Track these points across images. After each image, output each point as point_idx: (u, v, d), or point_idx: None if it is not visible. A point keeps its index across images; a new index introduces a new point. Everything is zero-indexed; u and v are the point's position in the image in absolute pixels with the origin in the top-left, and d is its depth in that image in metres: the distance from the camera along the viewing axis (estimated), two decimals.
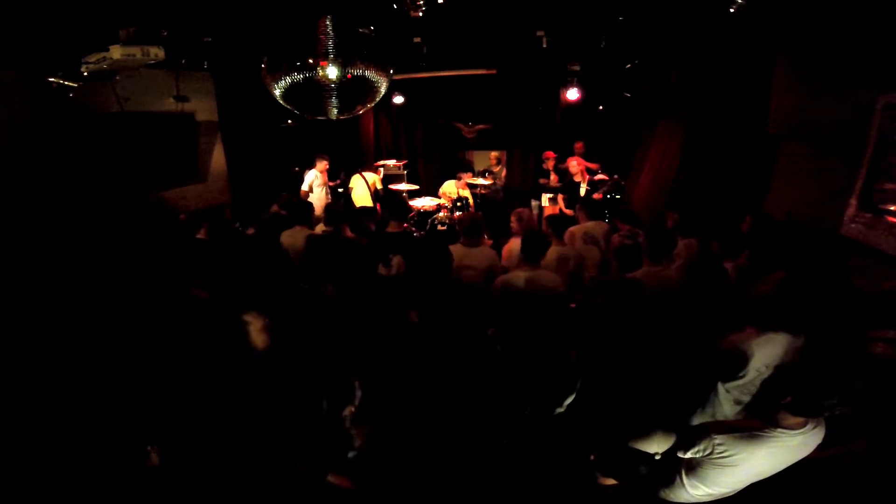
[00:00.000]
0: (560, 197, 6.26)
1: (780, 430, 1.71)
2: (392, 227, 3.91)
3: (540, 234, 3.23)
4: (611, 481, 1.66)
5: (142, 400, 1.75)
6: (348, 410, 1.67)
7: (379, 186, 7.15)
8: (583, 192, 6.05)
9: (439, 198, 7.14)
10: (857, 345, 2.12)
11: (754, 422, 1.81)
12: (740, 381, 2.14)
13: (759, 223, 3.77)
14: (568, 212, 5.84)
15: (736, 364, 2.11)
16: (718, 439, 1.75)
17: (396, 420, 1.83)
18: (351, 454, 1.69)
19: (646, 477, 1.76)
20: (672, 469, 1.99)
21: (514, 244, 3.94)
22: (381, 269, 3.29)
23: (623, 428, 1.77)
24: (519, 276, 2.97)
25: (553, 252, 3.49)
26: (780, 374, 2.02)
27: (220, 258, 3.35)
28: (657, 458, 1.78)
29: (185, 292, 2.57)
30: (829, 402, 1.59)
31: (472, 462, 1.76)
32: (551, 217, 4.63)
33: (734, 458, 1.75)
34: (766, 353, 2.07)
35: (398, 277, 3.18)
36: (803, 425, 1.70)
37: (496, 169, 7.63)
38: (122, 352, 2.09)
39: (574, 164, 6.24)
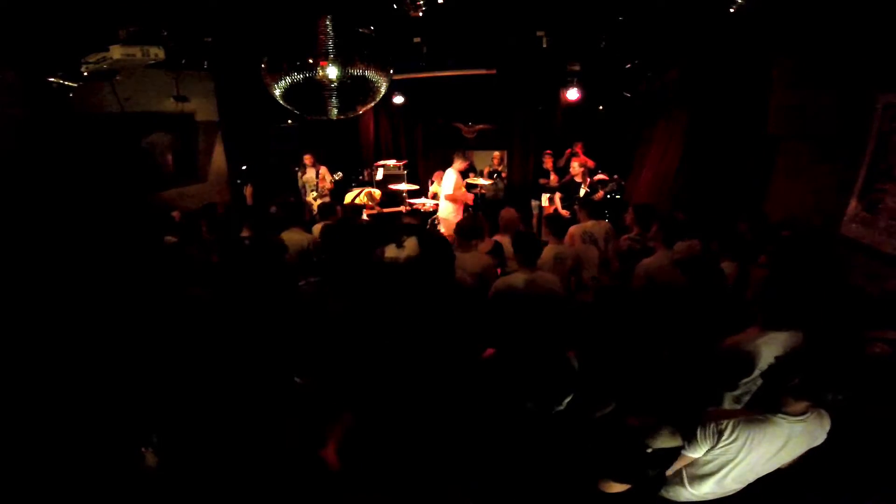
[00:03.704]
0: (557, 196, 6.23)
1: (781, 415, 1.73)
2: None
3: (528, 235, 3.22)
4: (617, 488, 1.64)
5: (137, 395, 1.76)
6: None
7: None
8: (582, 192, 6.03)
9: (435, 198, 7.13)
10: (856, 344, 2.12)
11: (755, 411, 1.82)
12: (744, 380, 2.16)
13: (760, 223, 3.76)
14: (564, 212, 5.81)
15: (744, 368, 2.13)
16: (724, 423, 1.77)
17: (388, 420, 1.82)
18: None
19: (653, 478, 1.75)
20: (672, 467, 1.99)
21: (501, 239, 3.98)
22: (392, 251, 3.27)
23: (632, 428, 1.76)
24: (518, 279, 2.97)
25: (550, 251, 3.51)
26: (783, 364, 2.03)
27: (221, 257, 3.35)
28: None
29: (180, 291, 2.58)
30: (836, 382, 1.59)
31: (471, 461, 1.76)
32: (550, 217, 4.62)
33: (735, 445, 1.76)
34: (769, 352, 2.09)
35: (407, 263, 3.14)
36: (804, 412, 1.72)
37: (499, 168, 7.63)
38: (118, 348, 2.09)
39: (576, 166, 6.23)
